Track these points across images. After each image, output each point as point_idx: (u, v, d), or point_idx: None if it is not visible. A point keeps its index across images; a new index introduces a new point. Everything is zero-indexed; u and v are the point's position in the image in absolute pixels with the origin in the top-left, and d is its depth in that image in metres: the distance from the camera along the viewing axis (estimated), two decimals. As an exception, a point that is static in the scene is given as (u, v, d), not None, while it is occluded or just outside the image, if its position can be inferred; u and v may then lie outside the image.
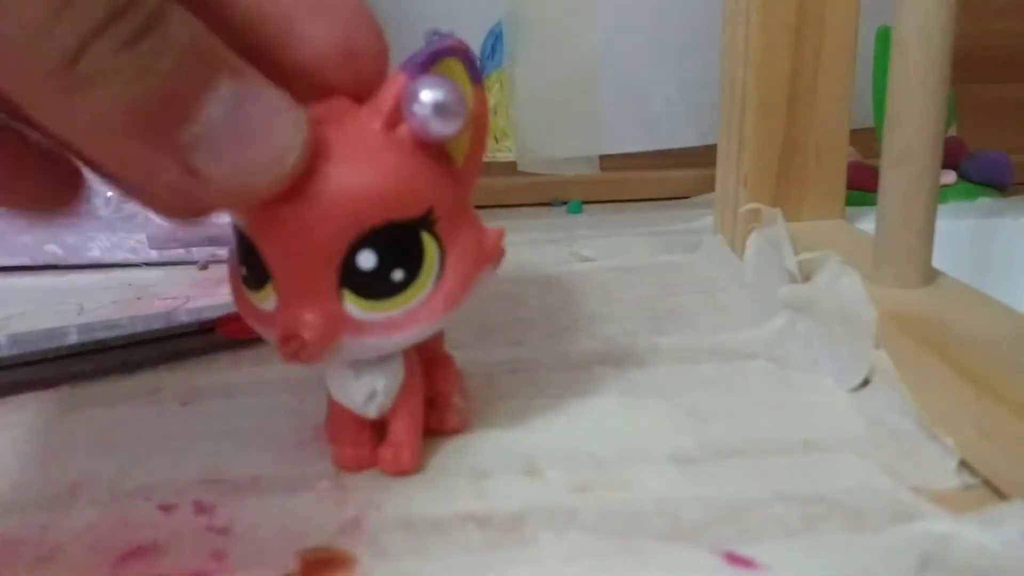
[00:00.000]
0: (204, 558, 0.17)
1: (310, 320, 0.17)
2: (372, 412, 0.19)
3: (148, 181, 0.15)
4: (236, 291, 0.19)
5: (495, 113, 0.55)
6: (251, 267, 0.18)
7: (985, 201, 0.48)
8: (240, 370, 0.26)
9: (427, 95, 0.16)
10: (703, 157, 0.44)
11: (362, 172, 0.16)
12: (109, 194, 0.37)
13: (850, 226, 0.33)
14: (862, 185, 0.40)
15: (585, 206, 0.51)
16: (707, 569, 0.16)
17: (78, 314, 0.32)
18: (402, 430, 0.19)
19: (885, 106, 0.25)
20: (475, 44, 0.54)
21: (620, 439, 0.21)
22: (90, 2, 0.13)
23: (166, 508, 0.19)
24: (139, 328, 0.27)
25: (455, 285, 0.18)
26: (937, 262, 0.26)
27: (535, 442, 0.21)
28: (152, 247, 0.38)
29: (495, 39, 0.54)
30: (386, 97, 0.17)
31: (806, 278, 0.29)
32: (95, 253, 0.38)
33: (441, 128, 0.16)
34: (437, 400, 0.21)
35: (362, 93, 0.17)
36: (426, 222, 0.17)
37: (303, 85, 0.17)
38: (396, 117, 0.17)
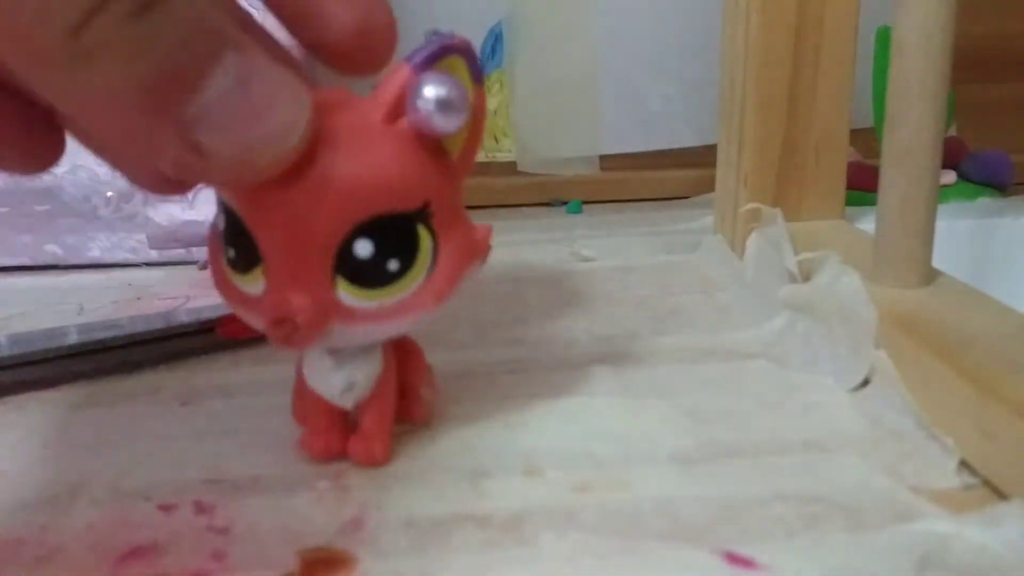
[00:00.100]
0: (204, 558, 0.17)
1: (303, 304, 0.17)
2: (348, 403, 0.19)
3: (150, 155, 0.15)
4: (218, 273, 0.19)
5: (495, 113, 0.55)
6: (240, 249, 0.18)
7: (985, 201, 0.48)
8: (240, 370, 0.26)
9: (431, 91, 0.16)
10: (703, 157, 0.44)
11: (366, 161, 0.17)
12: (109, 194, 0.37)
13: (850, 226, 0.33)
14: (862, 185, 0.40)
15: (585, 206, 0.51)
16: (707, 569, 0.16)
17: (78, 314, 0.32)
18: (374, 422, 0.20)
19: (885, 106, 0.25)
20: (475, 44, 0.53)
21: (620, 439, 0.21)
22: None
23: (166, 508, 0.19)
24: (139, 328, 0.27)
25: (446, 278, 0.18)
26: (937, 262, 0.26)
27: (535, 442, 0.21)
28: (152, 247, 0.38)
29: (495, 39, 0.54)
30: (389, 90, 0.17)
31: (806, 278, 0.29)
32: (95, 253, 0.38)
33: (443, 124, 0.17)
34: (404, 391, 0.21)
35: (370, 71, 0.18)
36: (423, 215, 0.17)
37: (319, 60, 0.18)
38: (398, 110, 0.17)
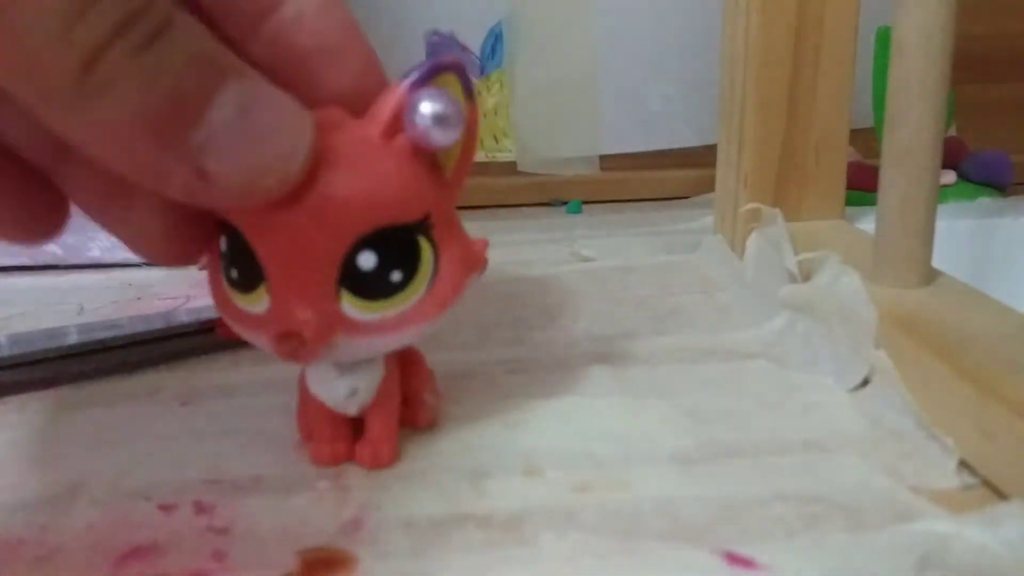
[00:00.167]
0: (204, 558, 0.17)
1: (308, 318, 0.17)
2: (352, 409, 0.20)
3: (159, 184, 0.15)
4: (219, 295, 0.19)
5: (495, 113, 0.55)
6: (243, 269, 0.18)
7: (985, 201, 0.48)
8: (240, 370, 0.26)
9: (428, 107, 0.17)
10: (703, 157, 0.44)
11: (366, 176, 0.17)
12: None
13: (850, 226, 0.33)
14: (862, 185, 0.40)
15: (585, 206, 0.51)
16: (707, 569, 0.16)
17: (78, 314, 0.32)
18: (380, 426, 0.20)
19: (885, 106, 0.25)
20: (475, 44, 0.54)
21: (620, 439, 0.21)
22: (105, 9, 0.13)
23: (166, 508, 0.19)
24: (139, 328, 0.27)
25: (447, 289, 0.18)
26: (937, 262, 0.26)
27: (535, 442, 0.21)
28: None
29: (495, 39, 0.54)
30: (385, 107, 0.17)
31: (806, 278, 0.29)
32: (95, 253, 0.38)
33: (441, 138, 0.17)
34: (408, 397, 0.21)
35: (331, 71, 0.18)
36: (423, 227, 0.18)
37: (272, 58, 0.18)
38: (396, 127, 0.17)
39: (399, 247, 0.18)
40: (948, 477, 0.19)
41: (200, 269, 0.19)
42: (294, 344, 0.17)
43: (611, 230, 0.44)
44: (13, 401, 0.24)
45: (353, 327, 0.18)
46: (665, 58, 0.53)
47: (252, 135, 0.15)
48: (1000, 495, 0.19)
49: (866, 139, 0.45)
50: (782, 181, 0.33)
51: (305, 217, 0.16)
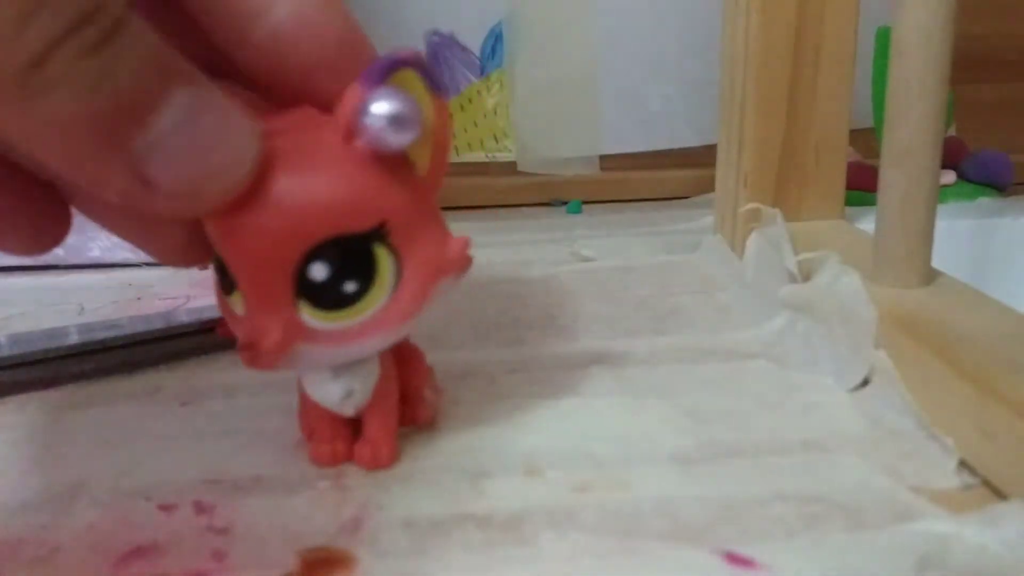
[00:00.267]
0: (204, 558, 0.17)
1: (266, 328, 0.17)
2: (349, 410, 0.19)
3: (99, 187, 0.15)
4: (218, 293, 0.19)
5: (495, 113, 0.55)
6: (221, 272, 0.18)
7: (985, 201, 0.48)
8: (240, 370, 0.26)
9: (379, 107, 0.16)
10: (703, 157, 0.44)
11: (311, 185, 0.16)
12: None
13: (850, 226, 0.33)
14: (862, 185, 0.40)
15: (585, 206, 0.51)
16: (707, 569, 0.16)
17: (78, 314, 0.32)
18: (379, 426, 0.20)
19: (885, 106, 0.25)
20: (475, 44, 0.54)
21: (620, 439, 0.21)
22: (59, 8, 0.13)
23: (166, 508, 0.19)
24: (139, 328, 0.27)
25: (411, 297, 0.18)
26: (937, 262, 0.26)
27: (535, 442, 0.21)
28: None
29: (495, 39, 0.54)
30: (344, 109, 0.17)
31: (806, 278, 0.29)
32: (95, 253, 0.38)
33: (395, 139, 0.16)
34: (407, 394, 0.21)
35: (332, 78, 0.17)
36: (379, 235, 0.17)
37: (267, 67, 0.17)
38: (353, 129, 0.17)
39: (352, 257, 0.17)
40: (948, 477, 0.19)
41: (201, 269, 0.20)
42: (252, 354, 0.17)
43: (611, 230, 0.44)
44: (13, 401, 0.24)
45: (314, 336, 0.17)
46: (665, 58, 0.53)
47: (198, 143, 0.15)
48: (1000, 495, 0.19)
49: (866, 139, 0.45)
50: (782, 181, 0.33)
51: (253, 226, 0.16)
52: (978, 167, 0.49)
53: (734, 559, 0.16)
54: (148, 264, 0.38)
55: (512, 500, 0.19)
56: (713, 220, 0.38)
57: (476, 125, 0.55)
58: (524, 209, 0.51)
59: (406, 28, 0.52)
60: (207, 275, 0.19)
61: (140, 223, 0.19)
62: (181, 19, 0.17)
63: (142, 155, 0.14)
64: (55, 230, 0.18)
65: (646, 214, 0.48)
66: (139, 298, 0.34)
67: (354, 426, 0.20)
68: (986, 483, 0.19)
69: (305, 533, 0.18)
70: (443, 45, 0.53)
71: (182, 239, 0.18)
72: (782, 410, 0.23)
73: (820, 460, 0.20)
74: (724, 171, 0.36)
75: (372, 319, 0.17)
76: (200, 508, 0.19)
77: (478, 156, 0.55)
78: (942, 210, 0.25)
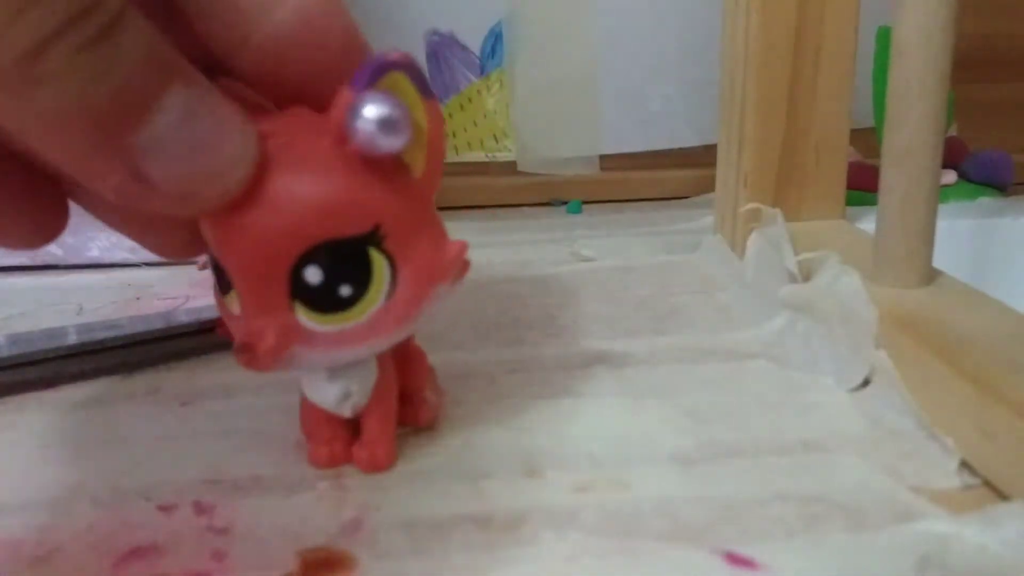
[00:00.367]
0: (204, 558, 0.17)
1: (262, 331, 0.17)
2: (346, 412, 0.19)
3: (95, 182, 0.15)
4: (216, 293, 0.19)
5: (495, 113, 0.55)
6: (218, 273, 0.18)
7: (985, 201, 0.48)
8: (240, 370, 0.26)
9: (369, 111, 0.16)
10: (703, 157, 0.44)
11: (305, 188, 0.16)
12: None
13: (850, 226, 0.33)
14: (862, 185, 0.40)
15: (585, 206, 0.51)
16: (707, 569, 0.16)
17: (78, 314, 0.32)
18: (376, 429, 0.20)
19: (885, 106, 0.25)
20: (475, 44, 0.54)
21: (620, 439, 0.21)
22: (55, 2, 0.13)
23: (166, 508, 0.19)
24: (139, 328, 0.27)
25: (406, 302, 0.18)
26: (937, 262, 0.26)
27: (535, 442, 0.21)
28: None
29: (495, 39, 0.54)
30: (335, 113, 0.16)
31: (806, 278, 0.29)
32: (95, 253, 0.38)
33: (385, 143, 0.16)
34: (408, 395, 0.21)
35: (333, 80, 0.17)
36: (373, 239, 0.17)
37: (267, 68, 0.17)
38: (345, 133, 0.16)
39: (347, 261, 0.17)
40: (948, 477, 0.19)
41: (200, 269, 0.20)
42: (248, 356, 0.17)
43: (611, 230, 0.44)
44: (13, 401, 0.24)
45: (310, 338, 0.17)
46: (665, 58, 0.53)
47: (194, 143, 0.15)
48: (1000, 495, 0.19)
49: (866, 139, 0.45)
50: (782, 181, 0.33)
51: (249, 229, 0.16)
52: (979, 167, 0.49)
53: (734, 559, 0.16)
54: (147, 264, 0.38)
55: (512, 500, 0.19)
56: (713, 220, 0.38)
57: (476, 125, 0.55)
58: (524, 209, 0.51)
59: (406, 28, 0.52)
60: (206, 275, 0.19)
61: (139, 219, 0.19)
62: (179, 19, 0.17)
63: (139, 151, 0.14)
64: (53, 224, 0.18)
65: (646, 214, 0.48)
66: (138, 298, 0.34)
67: (353, 427, 0.20)
68: (986, 483, 0.19)
69: (305, 533, 0.18)
70: (443, 45, 0.53)
71: (181, 236, 0.18)
72: (782, 410, 0.23)
73: (820, 460, 0.20)
74: (724, 171, 0.36)
75: (368, 322, 0.17)
76: (200, 508, 0.19)
77: (478, 156, 0.55)
78: (942, 210, 0.25)
